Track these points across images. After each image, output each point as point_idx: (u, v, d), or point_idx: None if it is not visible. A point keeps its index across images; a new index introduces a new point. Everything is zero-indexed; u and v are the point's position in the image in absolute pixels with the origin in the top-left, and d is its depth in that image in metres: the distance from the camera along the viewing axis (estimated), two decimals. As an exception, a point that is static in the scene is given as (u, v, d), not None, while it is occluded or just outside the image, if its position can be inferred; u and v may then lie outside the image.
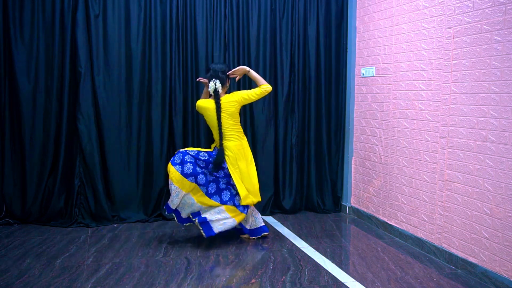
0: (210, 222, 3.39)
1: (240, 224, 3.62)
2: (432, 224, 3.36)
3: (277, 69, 4.38)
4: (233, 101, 3.47)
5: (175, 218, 3.49)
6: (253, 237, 3.64)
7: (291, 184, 4.49)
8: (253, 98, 3.53)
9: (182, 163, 3.36)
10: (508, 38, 2.72)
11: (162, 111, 4.10)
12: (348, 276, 2.95)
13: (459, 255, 3.09)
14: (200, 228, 3.38)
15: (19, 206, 3.93)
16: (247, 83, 4.30)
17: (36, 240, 3.54)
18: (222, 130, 3.46)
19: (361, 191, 4.32)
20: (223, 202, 3.44)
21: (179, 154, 3.40)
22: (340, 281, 2.87)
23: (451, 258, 3.16)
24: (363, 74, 4.24)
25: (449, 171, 3.18)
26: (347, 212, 4.50)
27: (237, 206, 3.46)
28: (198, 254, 3.30)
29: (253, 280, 2.86)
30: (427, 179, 3.39)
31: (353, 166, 4.45)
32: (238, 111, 3.53)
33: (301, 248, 3.46)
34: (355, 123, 4.40)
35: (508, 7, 2.71)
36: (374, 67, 4.06)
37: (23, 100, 3.83)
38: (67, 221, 3.93)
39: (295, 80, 4.43)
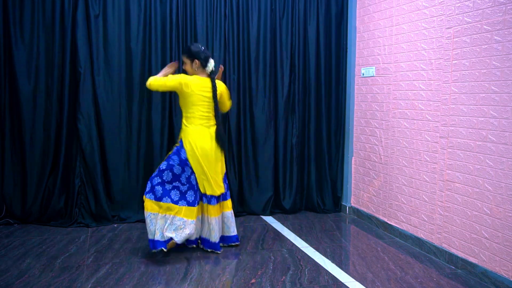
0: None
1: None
2: (432, 224, 3.36)
3: (277, 69, 4.38)
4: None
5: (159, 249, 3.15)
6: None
7: (291, 184, 4.49)
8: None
9: (152, 188, 3.21)
10: (508, 38, 2.72)
11: (162, 111, 4.10)
12: (348, 276, 2.95)
13: (459, 255, 3.09)
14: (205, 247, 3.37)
15: (19, 206, 3.93)
16: (247, 83, 4.31)
17: (36, 240, 3.54)
18: (212, 113, 3.29)
19: (361, 191, 4.32)
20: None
21: (148, 183, 3.25)
22: (340, 281, 2.87)
23: (451, 258, 3.16)
24: (363, 74, 4.24)
25: (449, 171, 3.18)
26: (347, 212, 4.50)
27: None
28: (198, 254, 3.30)
29: (253, 280, 2.86)
30: (427, 179, 3.39)
31: (353, 166, 4.45)
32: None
33: (301, 248, 3.46)
34: (355, 123, 4.39)
35: (508, 7, 2.71)
36: (374, 67, 4.06)
37: (23, 100, 3.83)
38: (67, 221, 3.93)
39: (295, 80, 4.43)
